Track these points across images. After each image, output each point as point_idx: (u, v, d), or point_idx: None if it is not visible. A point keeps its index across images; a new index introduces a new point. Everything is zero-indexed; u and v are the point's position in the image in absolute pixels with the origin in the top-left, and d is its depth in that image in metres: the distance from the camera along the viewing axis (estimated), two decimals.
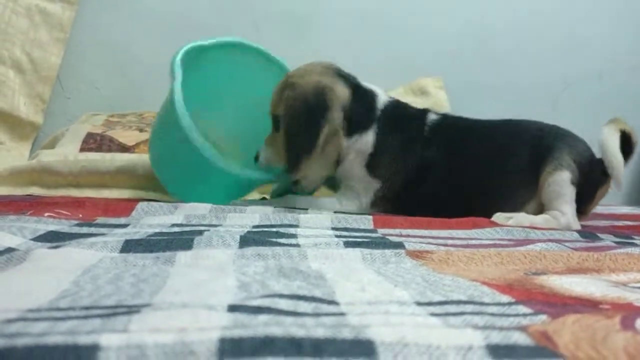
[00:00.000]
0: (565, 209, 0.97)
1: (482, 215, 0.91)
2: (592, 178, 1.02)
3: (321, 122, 0.96)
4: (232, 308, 0.33)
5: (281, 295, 0.36)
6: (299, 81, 0.99)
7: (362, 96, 1.02)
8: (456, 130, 1.06)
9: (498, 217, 0.94)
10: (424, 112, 1.07)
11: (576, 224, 0.98)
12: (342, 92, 0.99)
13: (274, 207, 0.94)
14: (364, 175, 1.01)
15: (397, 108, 1.05)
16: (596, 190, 1.04)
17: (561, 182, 0.98)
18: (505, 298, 0.39)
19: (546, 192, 0.99)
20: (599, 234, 0.80)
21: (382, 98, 1.04)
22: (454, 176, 1.02)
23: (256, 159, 1.05)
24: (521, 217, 0.95)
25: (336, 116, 0.98)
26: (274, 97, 1.03)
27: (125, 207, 0.89)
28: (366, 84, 1.05)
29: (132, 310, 0.32)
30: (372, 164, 1.01)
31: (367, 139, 1.01)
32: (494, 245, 0.66)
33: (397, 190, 1.02)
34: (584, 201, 1.02)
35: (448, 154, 1.03)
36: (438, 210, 0.93)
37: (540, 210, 1.00)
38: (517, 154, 1.03)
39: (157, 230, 0.68)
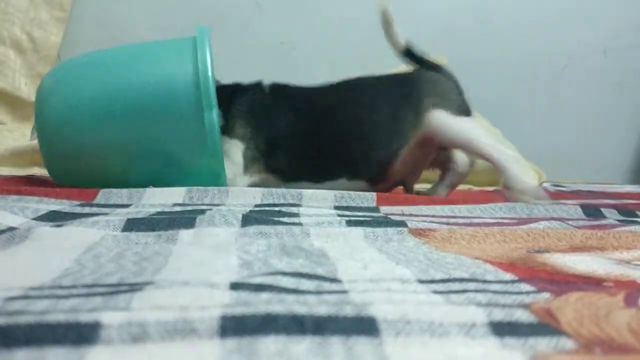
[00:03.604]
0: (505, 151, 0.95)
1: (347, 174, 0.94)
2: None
3: None
4: (234, 286, 0.33)
5: (284, 273, 0.36)
6: None
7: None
8: (301, 94, 1.07)
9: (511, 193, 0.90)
10: (258, 82, 1.08)
11: None
12: None
13: None
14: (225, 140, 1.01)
15: (235, 85, 1.07)
16: None
17: (444, 124, 0.96)
18: (508, 276, 0.39)
19: (435, 136, 0.97)
20: (602, 210, 0.79)
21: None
22: (310, 137, 1.02)
23: None
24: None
25: None
26: None
27: None
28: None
29: (134, 288, 0.32)
30: (224, 127, 1.00)
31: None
32: (497, 224, 0.65)
33: (265, 152, 1.01)
34: None
35: (301, 116, 1.03)
36: (308, 171, 0.95)
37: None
38: (374, 108, 1.02)
39: (159, 209, 0.68)
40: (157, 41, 0.96)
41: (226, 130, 1.00)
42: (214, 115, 0.85)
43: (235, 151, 1.00)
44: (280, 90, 1.07)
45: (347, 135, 1.02)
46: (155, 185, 0.83)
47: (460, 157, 1.06)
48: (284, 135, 1.02)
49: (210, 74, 0.86)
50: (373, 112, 1.02)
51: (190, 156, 0.88)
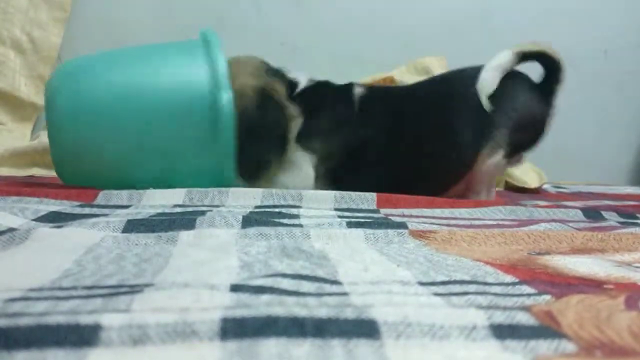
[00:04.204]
0: (481, 189, 0.95)
1: (423, 192, 0.89)
2: None
3: None
4: (235, 288, 0.33)
5: (284, 275, 0.36)
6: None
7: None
8: (388, 102, 1.01)
9: None
10: (349, 86, 1.02)
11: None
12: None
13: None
14: (296, 148, 0.96)
15: (319, 86, 1.01)
16: None
17: (493, 167, 0.94)
18: (509, 278, 0.39)
19: (477, 174, 0.95)
20: (602, 212, 0.79)
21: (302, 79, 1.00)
22: (388, 152, 0.97)
23: None
24: None
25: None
26: None
27: None
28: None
29: (134, 290, 0.32)
30: (301, 138, 0.96)
31: None
32: (498, 226, 0.65)
33: (335, 167, 0.97)
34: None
35: (382, 128, 0.97)
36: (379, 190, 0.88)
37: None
38: (452, 125, 0.96)
39: (159, 210, 0.68)
40: (168, 42, 0.97)
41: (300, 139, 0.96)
42: (229, 98, 0.85)
43: (305, 163, 0.96)
44: (367, 100, 1.00)
45: (428, 151, 0.97)
46: (163, 182, 0.83)
47: None
48: (363, 149, 0.97)
49: (223, 61, 0.87)
50: (456, 132, 0.96)
51: (199, 153, 0.88)
